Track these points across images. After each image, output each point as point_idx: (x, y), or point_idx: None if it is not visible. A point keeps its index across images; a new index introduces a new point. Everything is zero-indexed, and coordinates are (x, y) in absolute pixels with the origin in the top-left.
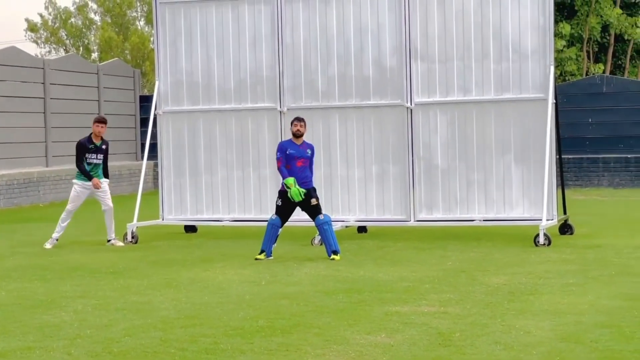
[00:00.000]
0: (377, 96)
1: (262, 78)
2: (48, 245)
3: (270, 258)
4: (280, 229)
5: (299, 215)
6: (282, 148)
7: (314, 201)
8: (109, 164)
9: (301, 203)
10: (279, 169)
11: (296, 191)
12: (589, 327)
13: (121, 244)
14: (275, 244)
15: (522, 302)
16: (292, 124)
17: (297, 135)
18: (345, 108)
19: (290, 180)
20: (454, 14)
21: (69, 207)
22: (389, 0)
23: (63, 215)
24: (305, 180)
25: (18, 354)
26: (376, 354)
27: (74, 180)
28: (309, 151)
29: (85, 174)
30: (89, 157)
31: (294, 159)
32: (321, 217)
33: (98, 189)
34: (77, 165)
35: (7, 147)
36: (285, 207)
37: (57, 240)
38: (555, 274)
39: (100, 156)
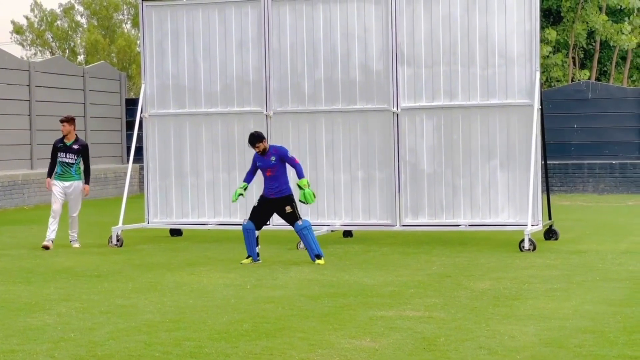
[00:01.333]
0: (363, 100)
1: (249, 81)
2: (46, 243)
3: (258, 261)
4: (258, 232)
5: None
6: (254, 159)
7: (288, 209)
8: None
9: (277, 210)
10: (246, 174)
11: (234, 194)
12: (572, 332)
13: (78, 245)
14: (259, 246)
15: (506, 307)
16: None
17: (260, 154)
18: (331, 112)
19: (240, 185)
20: (440, 19)
21: (52, 207)
22: (376, 5)
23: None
24: (278, 189)
25: (1, 357)
26: (361, 358)
27: (52, 181)
28: (273, 158)
29: (49, 171)
30: (60, 155)
31: (263, 170)
32: (299, 222)
33: (47, 189)
34: (50, 163)
35: None
36: (260, 210)
37: (52, 240)
38: (540, 279)
39: (71, 155)
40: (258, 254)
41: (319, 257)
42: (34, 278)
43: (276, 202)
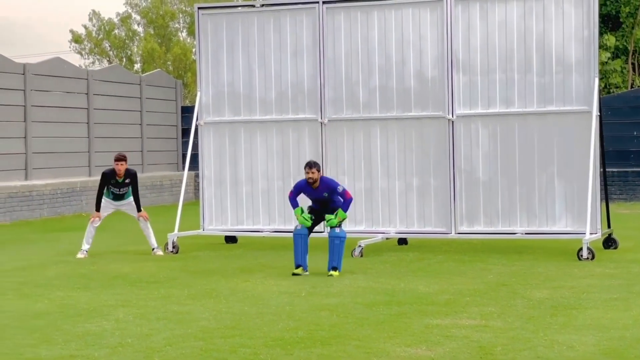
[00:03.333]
0: (418, 108)
1: (304, 89)
2: (80, 255)
3: (306, 273)
4: (307, 237)
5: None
6: (297, 187)
7: (334, 221)
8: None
9: (318, 219)
10: (289, 199)
11: (302, 220)
12: (633, 342)
13: (161, 253)
14: (307, 256)
15: (565, 317)
16: (305, 169)
17: (310, 182)
18: (386, 120)
19: (297, 211)
20: (496, 25)
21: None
22: (431, 12)
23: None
24: (331, 208)
25: None
26: None
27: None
28: (325, 194)
29: (97, 203)
30: (112, 188)
31: (314, 200)
32: (337, 230)
33: (92, 222)
34: (97, 193)
35: (51, 156)
36: (312, 214)
37: (86, 251)
38: (599, 289)
39: (124, 189)
40: (306, 265)
41: (335, 269)
42: (92, 284)
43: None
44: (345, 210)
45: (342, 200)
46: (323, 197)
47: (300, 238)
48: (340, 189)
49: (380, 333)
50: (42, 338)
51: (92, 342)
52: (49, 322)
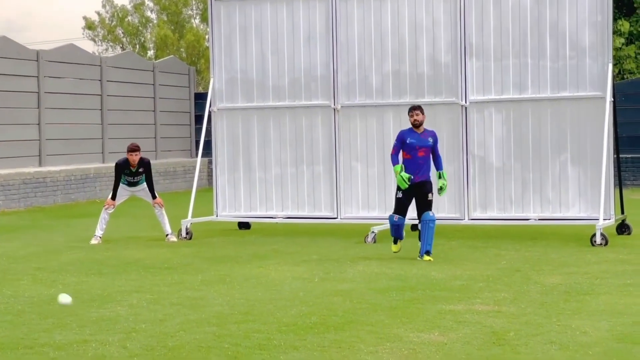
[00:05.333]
0: (431, 94)
1: (317, 75)
2: (94, 241)
3: (401, 242)
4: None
5: (353, 213)
6: (400, 137)
7: (430, 196)
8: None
9: (416, 195)
10: (391, 156)
11: (400, 179)
12: None
13: (175, 239)
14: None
15: (578, 302)
16: (409, 114)
17: (416, 125)
18: (399, 105)
19: (397, 168)
20: (510, 10)
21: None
22: None
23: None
24: (425, 173)
25: (75, 347)
26: (429, 352)
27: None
28: (430, 139)
29: (113, 192)
30: (127, 177)
31: (415, 148)
32: (430, 213)
33: (106, 207)
34: (114, 184)
35: (64, 143)
36: (405, 201)
37: (100, 237)
38: (613, 274)
39: (138, 178)
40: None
41: (428, 253)
42: (105, 270)
43: (420, 185)
44: (441, 168)
45: (438, 160)
46: (428, 144)
47: (396, 228)
48: (438, 143)
49: (393, 319)
50: (57, 323)
51: (105, 327)
52: (63, 307)
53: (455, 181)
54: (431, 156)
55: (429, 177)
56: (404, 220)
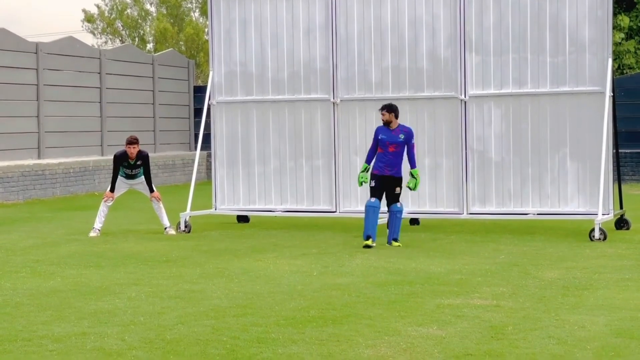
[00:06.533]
0: (430, 88)
1: (316, 69)
2: (92, 234)
3: (374, 245)
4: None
5: (352, 207)
6: (376, 132)
7: (398, 189)
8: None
9: (386, 188)
10: (368, 151)
11: (360, 177)
12: None
13: (173, 232)
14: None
15: (576, 297)
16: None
17: (385, 123)
18: (398, 100)
19: (363, 166)
20: (509, 5)
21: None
22: None
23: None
24: (396, 169)
25: (73, 339)
26: (427, 346)
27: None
28: (402, 136)
29: (112, 184)
30: (125, 170)
31: (385, 144)
32: (398, 205)
33: (105, 200)
34: (112, 176)
35: (63, 135)
36: (379, 189)
37: (99, 230)
38: (611, 269)
39: (136, 170)
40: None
41: (396, 240)
42: (104, 262)
43: (390, 180)
44: (415, 166)
45: (402, 159)
46: (398, 140)
47: (372, 210)
48: (413, 140)
49: (392, 312)
50: (55, 315)
51: (104, 320)
52: (61, 299)
53: (454, 175)
54: (405, 152)
55: (400, 172)
56: (379, 203)
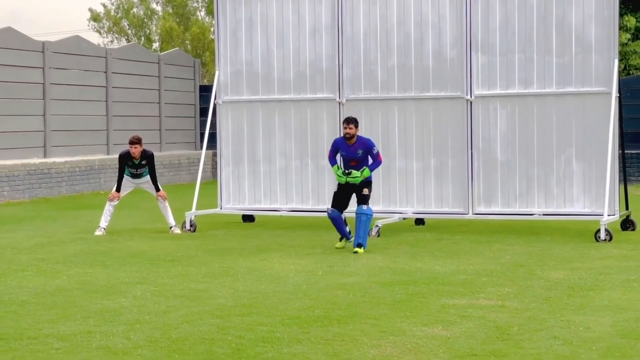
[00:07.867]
0: (436, 88)
1: (322, 68)
2: (98, 233)
3: (351, 239)
4: (343, 214)
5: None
6: (334, 145)
7: (365, 190)
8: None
9: (355, 191)
10: (328, 158)
11: (337, 175)
12: None
13: (179, 231)
14: (348, 226)
15: (582, 298)
16: (343, 124)
17: (347, 137)
18: (404, 100)
19: (334, 168)
20: (516, 5)
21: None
22: None
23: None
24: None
25: (79, 338)
26: (432, 346)
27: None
28: (360, 152)
29: (118, 184)
30: (130, 169)
31: (346, 159)
32: (364, 207)
33: (110, 200)
34: (118, 175)
35: (69, 134)
36: (341, 195)
37: (104, 229)
38: (617, 270)
39: (141, 170)
40: (350, 232)
41: (360, 246)
42: (109, 261)
43: (356, 184)
44: (371, 170)
45: (368, 162)
46: (357, 156)
47: (335, 220)
48: (375, 150)
49: (397, 312)
50: (61, 314)
51: (109, 319)
52: (67, 298)
53: (459, 176)
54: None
55: (370, 178)
56: (338, 213)
